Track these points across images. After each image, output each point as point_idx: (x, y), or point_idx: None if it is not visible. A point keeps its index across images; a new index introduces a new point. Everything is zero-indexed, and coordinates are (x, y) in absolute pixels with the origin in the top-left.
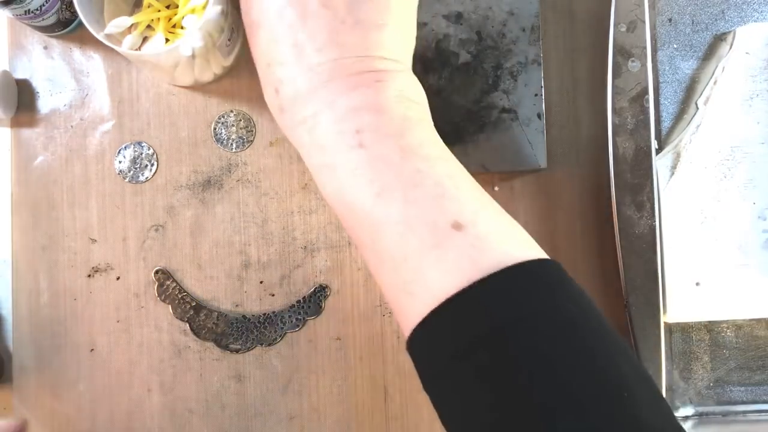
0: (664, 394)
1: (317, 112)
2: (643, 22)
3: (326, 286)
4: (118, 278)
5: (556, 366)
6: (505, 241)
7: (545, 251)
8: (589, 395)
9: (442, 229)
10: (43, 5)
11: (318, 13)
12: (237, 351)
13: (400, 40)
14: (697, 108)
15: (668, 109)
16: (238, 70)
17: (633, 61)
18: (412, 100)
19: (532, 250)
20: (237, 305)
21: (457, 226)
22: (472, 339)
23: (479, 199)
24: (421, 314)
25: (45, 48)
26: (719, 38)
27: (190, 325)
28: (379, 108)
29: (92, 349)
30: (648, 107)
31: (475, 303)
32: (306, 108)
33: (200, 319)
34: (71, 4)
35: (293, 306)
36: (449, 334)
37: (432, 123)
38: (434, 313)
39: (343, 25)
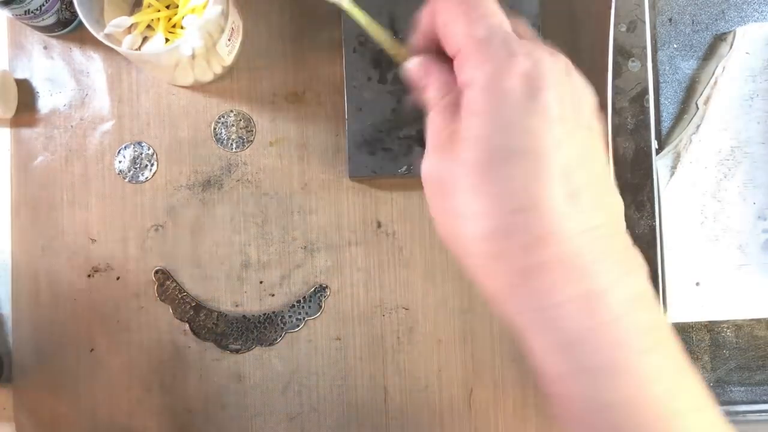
0: None
1: (592, 294)
2: (643, 22)
3: (326, 286)
4: (118, 278)
5: None
6: None
7: None
8: None
9: None
10: (43, 5)
11: (603, 161)
12: (237, 351)
13: None
14: (697, 108)
15: (668, 109)
16: (238, 70)
17: (633, 61)
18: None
19: None
20: (237, 305)
21: None
22: None
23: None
24: None
25: (45, 48)
26: (719, 38)
27: (190, 325)
28: (650, 302)
29: (92, 349)
30: (648, 107)
31: None
32: (568, 284)
33: (200, 319)
34: (71, 4)
35: (293, 306)
36: None
37: None
38: None
39: (611, 184)
